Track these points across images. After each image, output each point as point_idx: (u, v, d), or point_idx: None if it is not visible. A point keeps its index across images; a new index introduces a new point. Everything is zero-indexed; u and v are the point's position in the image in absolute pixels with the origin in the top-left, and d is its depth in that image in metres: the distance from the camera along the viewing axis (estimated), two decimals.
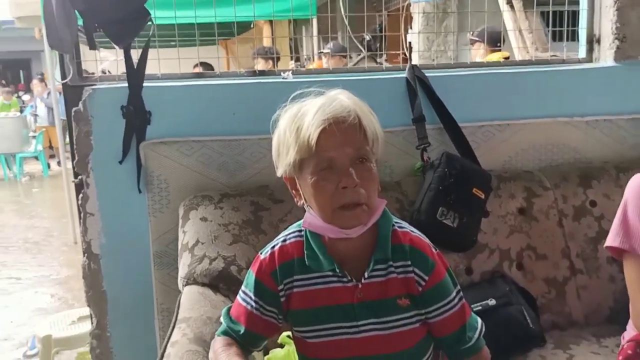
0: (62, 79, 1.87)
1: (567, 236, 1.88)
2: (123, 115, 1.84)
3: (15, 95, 11.39)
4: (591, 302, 1.84)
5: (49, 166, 9.56)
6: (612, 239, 1.46)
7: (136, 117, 1.84)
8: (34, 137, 9.41)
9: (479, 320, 1.23)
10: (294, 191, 1.18)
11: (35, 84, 10.00)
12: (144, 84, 1.84)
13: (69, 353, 3.14)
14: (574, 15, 2.33)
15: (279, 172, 1.17)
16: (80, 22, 1.78)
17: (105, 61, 1.86)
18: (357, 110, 1.10)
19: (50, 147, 10.03)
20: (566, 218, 1.90)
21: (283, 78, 1.98)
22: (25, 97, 11.58)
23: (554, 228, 1.88)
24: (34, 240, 5.59)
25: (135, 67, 1.81)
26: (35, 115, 9.86)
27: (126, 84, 1.83)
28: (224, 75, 2.05)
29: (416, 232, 1.20)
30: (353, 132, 1.08)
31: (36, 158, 9.68)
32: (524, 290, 1.77)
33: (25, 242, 5.55)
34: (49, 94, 8.28)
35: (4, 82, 12.15)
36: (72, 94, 1.88)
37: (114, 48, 1.84)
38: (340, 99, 1.11)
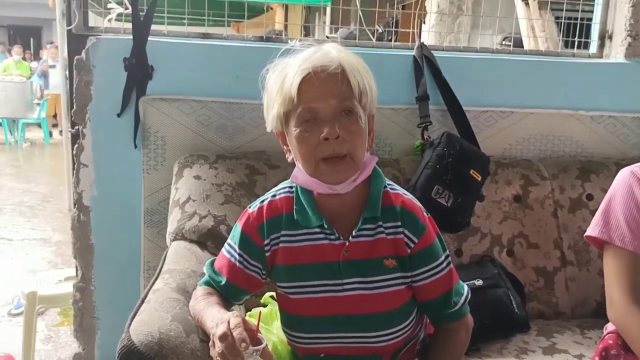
0: (67, 26, 1.85)
1: (561, 227, 1.87)
2: (125, 67, 1.82)
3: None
4: (579, 294, 1.83)
5: (51, 134, 9.54)
6: (591, 229, 1.46)
7: (138, 70, 1.82)
8: (38, 104, 9.39)
9: (466, 287, 1.23)
10: (284, 146, 1.18)
11: (52, 51, 9.96)
12: (149, 39, 1.82)
13: (54, 312, 3.14)
14: (587, 28, 2.32)
15: (269, 127, 1.17)
16: None
17: (113, 13, 1.83)
18: (341, 61, 1.08)
19: (54, 116, 10.01)
20: (561, 209, 1.89)
21: (291, 46, 1.95)
22: (34, 64, 11.54)
23: (548, 218, 1.87)
24: (29, 204, 5.57)
25: (141, 19, 1.79)
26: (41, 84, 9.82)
27: (131, 37, 1.81)
28: (230, 37, 2.03)
29: (408, 195, 1.20)
30: (334, 82, 1.07)
31: (39, 125, 9.66)
32: (513, 276, 1.76)
33: (21, 205, 5.53)
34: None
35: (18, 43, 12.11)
36: (76, 42, 1.86)
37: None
38: (327, 50, 1.10)
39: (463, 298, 1.19)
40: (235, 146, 1.89)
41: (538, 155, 2.05)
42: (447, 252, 1.20)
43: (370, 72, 1.13)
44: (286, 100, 1.08)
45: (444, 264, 1.17)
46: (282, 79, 1.10)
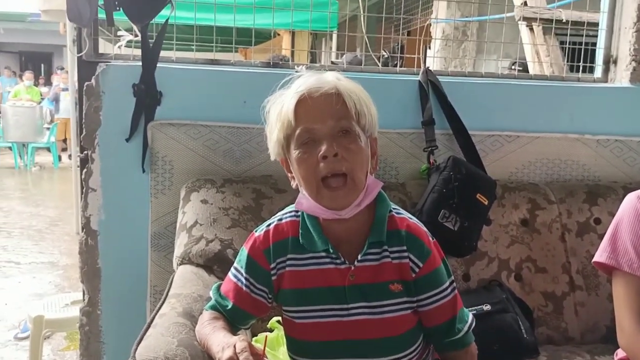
0: (78, 53, 1.88)
1: (569, 251, 1.86)
2: (134, 93, 1.85)
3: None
4: (588, 319, 1.81)
5: (60, 158, 9.62)
6: (599, 255, 1.46)
7: (147, 96, 1.84)
8: (47, 128, 9.49)
9: (470, 315, 1.22)
10: (288, 173, 1.19)
11: (64, 76, 10.12)
12: (158, 65, 1.85)
13: (60, 336, 3.14)
14: (591, 53, 2.34)
15: (272, 156, 1.18)
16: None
17: (123, 40, 1.86)
18: (336, 84, 1.10)
19: (64, 140, 10.11)
20: (569, 233, 1.88)
21: (296, 71, 1.98)
22: (44, 90, 11.71)
23: (556, 242, 1.86)
24: (37, 227, 5.60)
25: (150, 47, 1.82)
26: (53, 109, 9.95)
27: (140, 64, 1.84)
28: (237, 63, 2.06)
29: (414, 219, 1.20)
30: (329, 102, 1.09)
31: (48, 149, 9.75)
32: (521, 300, 1.74)
33: (29, 228, 5.56)
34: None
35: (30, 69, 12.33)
36: (86, 69, 1.89)
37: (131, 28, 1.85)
38: (324, 75, 1.13)
39: (467, 326, 1.18)
40: (242, 170, 1.91)
41: (545, 179, 2.05)
42: (452, 278, 1.19)
43: (370, 97, 1.14)
44: (285, 124, 1.10)
45: (449, 290, 1.17)
46: (280, 106, 1.13)
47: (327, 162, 1.07)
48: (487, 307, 1.63)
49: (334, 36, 5.60)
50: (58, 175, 8.86)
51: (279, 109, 1.13)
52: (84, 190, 1.89)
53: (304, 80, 1.12)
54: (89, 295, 1.93)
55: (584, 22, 2.39)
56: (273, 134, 1.14)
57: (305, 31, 6.25)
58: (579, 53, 2.33)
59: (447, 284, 1.17)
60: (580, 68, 2.30)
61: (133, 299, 1.91)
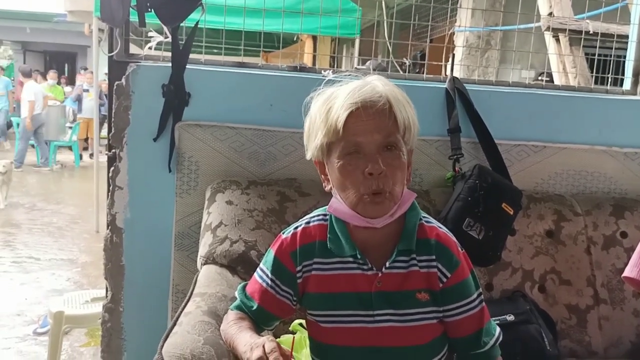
0: (109, 52, 1.91)
1: (594, 264, 1.84)
2: (163, 94, 1.87)
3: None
4: (612, 334, 1.79)
5: (80, 157, 9.74)
6: (629, 270, 1.44)
7: (175, 97, 1.86)
8: (70, 127, 9.62)
9: (497, 328, 1.20)
10: (322, 175, 1.18)
11: (88, 76, 10.28)
12: (187, 66, 1.87)
13: (78, 332, 3.17)
14: (618, 65, 2.32)
15: (308, 155, 1.17)
16: (134, 0, 1.83)
17: (153, 41, 1.89)
18: (389, 96, 1.08)
19: (85, 140, 10.24)
20: (595, 246, 1.86)
21: (323, 76, 1.99)
22: (67, 89, 11.88)
23: (581, 254, 1.84)
24: (57, 225, 5.67)
25: (180, 48, 1.84)
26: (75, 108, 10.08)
27: (170, 65, 1.86)
28: (265, 67, 2.07)
29: (443, 229, 1.19)
30: (382, 118, 1.07)
31: (70, 148, 9.87)
32: (545, 312, 1.73)
33: (49, 225, 5.63)
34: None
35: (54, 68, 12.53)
36: (116, 68, 1.91)
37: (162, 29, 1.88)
38: (374, 84, 1.10)
39: (494, 339, 1.17)
40: (266, 173, 1.92)
41: (570, 190, 2.03)
42: (480, 290, 1.18)
43: (413, 106, 1.13)
44: (330, 132, 1.08)
45: (476, 302, 1.16)
46: (327, 108, 1.10)
47: (373, 179, 1.07)
48: (510, 318, 1.62)
49: (357, 42, 5.61)
50: (79, 174, 8.97)
51: (325, 111, 1.10)
52: (110, 188, 1.92)
53: (356, 89, 1.09)
54: (112, 292, 1.95)
55: (612, 33, 2.37)
56: (316, 137, 1.12)
57: (327, 37, 6.29)
58: (604, 65, 2.31)
59: (475, 295, 1.16)
60: (608, 80, 2.28)
61: (155, 297, 1.93)
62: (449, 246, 1.15)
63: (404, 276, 1.14)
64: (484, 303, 1.18)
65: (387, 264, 1.14)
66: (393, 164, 1.08)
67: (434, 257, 1.14)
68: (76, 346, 3.10)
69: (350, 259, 1.15)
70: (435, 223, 1.20)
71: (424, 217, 1.19)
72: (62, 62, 18.17)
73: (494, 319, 1.58)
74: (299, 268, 1.18)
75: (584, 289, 1.81)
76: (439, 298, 1.14)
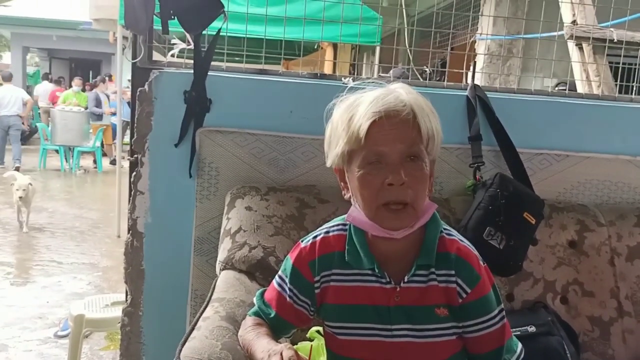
0: (133, 59, 1.94)
1: (618, 276, 1.80)
2: (185, 100, 1.89)
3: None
4: (637, 347, 1.75)
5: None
6: None
7: (197, 103, 1.88)
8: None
9: (520, 345, 1.17)
10: (342, 183, 1.16)
11: (103, 86, 10.50)
12: (209, 73, 1.88)
13: (98, 335, 3.20)
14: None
15: (329, 162, 1.15)
16: (157, 8, 1.85)
17: (176, 48, 1.91)
18: (413, 106, 1.06)
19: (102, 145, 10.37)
20: (619, 257, 1.82)
21: (343, 83, 1.99)
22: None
23: (604, 266, 1.81)
24: (80, 229, 5.75)
25: (202, 55, 1.86)
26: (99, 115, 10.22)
27: (192, 72, 1.88)
28: (285, 74, 2.08)
29: (465, 242, 1.16)
30: (405, 128, 1.05)
31: (93, 154, 10.02)
32: (567, 324, 1.70)
33: (72, 230, 5.71)
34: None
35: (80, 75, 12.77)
36: (139, 75, 1.94)
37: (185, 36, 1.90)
38: (398, 93, 1.08)
39: (515, 357, 1.14)
40: (286, 179, 1.92)
41: (594, 200, 2.00)
42: (502, 306, 1.15)
43: (437, 115, 1.10)
44: (352, 140, 1.06)
45: (497, 318, 1.13)
46: (349, 116, 1.08)
47: (393, 189, 1.04)
48: (531, 329, 1.59)
49: (377, 50, 5.61)
50: (101, 179, 9.09)
51: (347, 119, 1.08)
52: (132, 193, 1.94)
53: (379, 97, 1.07)
54: (131, 296, 1.96)
55: (637, 42, 2.33)
56: (338, 145, 1.09)
57: (348, 45, 6.30)
58: (627, 73, 2.27)
59: (496, 312, 1.13)
60: (634, 89, 2.24)
61: (174, 301, 1.94)
62: (470, 261, 1.12)
63: (423, 291, 1.12)
64: (505, 320, 1.15)
65: (406, 278, 1.12)
66: (415, 174, 1.05)
67: (453, 272, 1.11)
68: (96, 349, 3.13)
69: (369, 272, 1.14)
70: (457, 235, 1.17)
71: (445, 229, 1.16)
72: (87, 69, 18.49)
73: (514, 330, 1.56)
74: (317, 278, 1.17)
75: (607, 300, 1.78)
76: (458, 314, 1.11)
